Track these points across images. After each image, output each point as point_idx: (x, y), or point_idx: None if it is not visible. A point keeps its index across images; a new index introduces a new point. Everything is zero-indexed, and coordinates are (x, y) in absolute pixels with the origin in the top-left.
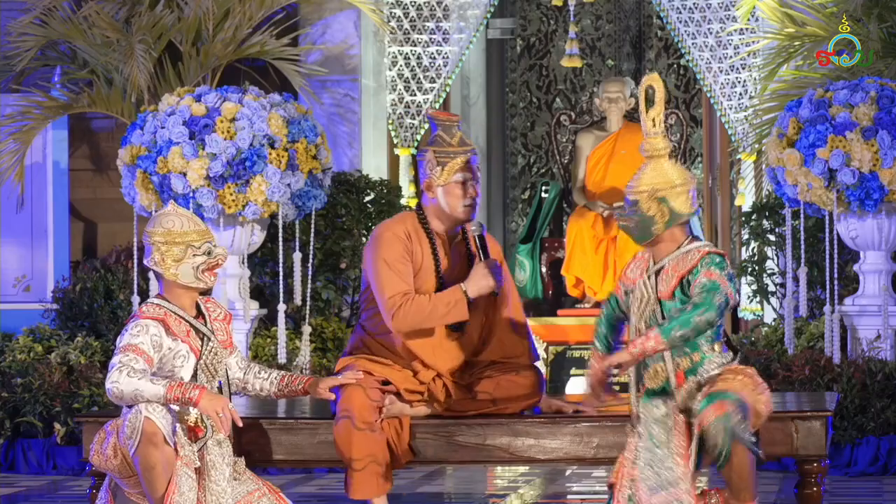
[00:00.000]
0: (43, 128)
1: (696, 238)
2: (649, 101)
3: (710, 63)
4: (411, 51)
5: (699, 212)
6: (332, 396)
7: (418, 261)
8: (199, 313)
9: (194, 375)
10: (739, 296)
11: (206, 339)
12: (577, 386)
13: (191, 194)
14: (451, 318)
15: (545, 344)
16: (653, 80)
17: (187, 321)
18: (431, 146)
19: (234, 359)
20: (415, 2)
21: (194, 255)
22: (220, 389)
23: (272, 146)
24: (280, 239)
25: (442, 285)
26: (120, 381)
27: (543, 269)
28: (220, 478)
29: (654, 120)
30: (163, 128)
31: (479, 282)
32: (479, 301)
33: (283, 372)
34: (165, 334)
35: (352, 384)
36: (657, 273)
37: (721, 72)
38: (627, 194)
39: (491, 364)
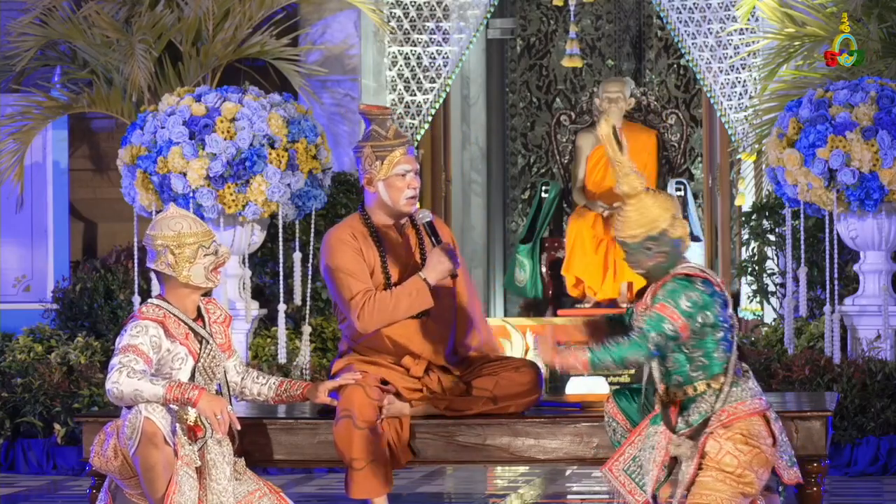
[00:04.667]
0: (43, 128)
1: (685, 259)
2: (620, 144)
3: (710, 63)
4: (411, 51)
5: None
6: (333, 402)
7: (370, 260)
8: (199, 315)
9: (192, 378)
10: (725, 309)
11: (204, 341)
12: (577, 386)
13: (191, 194)
14: (416, 308)
15: None
16: (611, 125)
17: (186, 324)
18: (368, 141)
19: (232, 362)
20: (415, 2)
21: (205, 254)
22: (218, 392)
23: (272, 146)
24: (280, 239)
25: (388, 280)
26: (120, 381)
27: (543, 269)
28: (222, 476)
29: (626, 160)
30: (163, 128)
31: (436, 267)
32: (444, 284)
33: (281, 378)
34: (164, 336)
35: (351, 384)
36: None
37: (721, 72)
38: (643, 237)
39: (488, 362)
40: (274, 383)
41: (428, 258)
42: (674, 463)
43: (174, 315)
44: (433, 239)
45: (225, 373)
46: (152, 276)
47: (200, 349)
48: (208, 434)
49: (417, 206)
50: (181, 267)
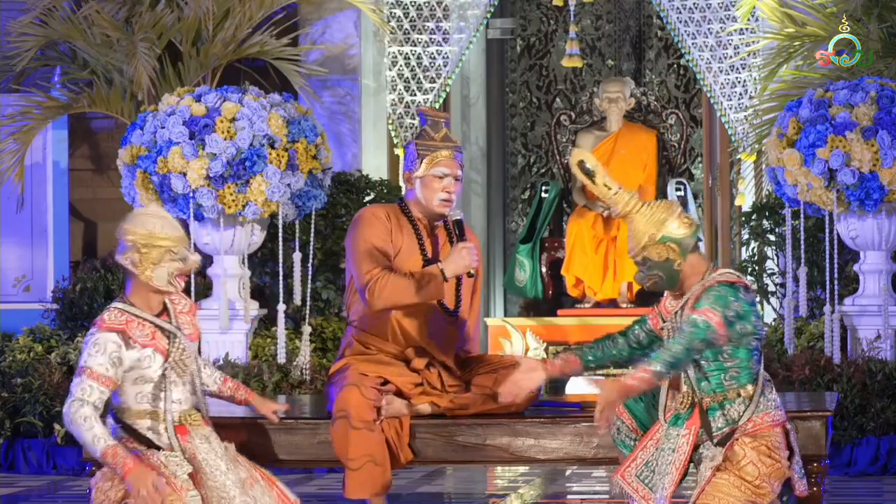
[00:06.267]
0: (43, 128)
1: (717, 267)
2: (588, 174)
3: (710, 63)
4: (411, 51)
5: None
6: (276, 419)
7: (398, 244)
8: (164, 309)
9: (164, 375)
10: (759, 318)
11: (172, 336)
12: (576, 386)
13: (191, 194)
14: (427, 297)
15: (545, 344)
16: (574, 155)
17: (152, 323)
18: (416, 139)
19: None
20: (415, 2)
21: (171, 259)
22: (193, 388)
23: (272, 146)
24: (280, 239)
25: (425, 263)
26: (74, 419)
27: (543, 269)
28: (217, 473)
29: (605, 185)
30: (163, 128)
31: (456, 261)
32: (465, 284)
33: (226, 375)
34: (126, 347)
35: (349, 385)
36: (684, 307)
37: (721, 72)
38: (635, 258)
39: (487, 360)
40: (219, 378)
41: (450, 252)
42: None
43: (138, 318)
44: (458, 236)
45: (196, 364)
46: None
47: (169, 345)
48: (193, 430)
49: (453, 209)
50: (143, 267)
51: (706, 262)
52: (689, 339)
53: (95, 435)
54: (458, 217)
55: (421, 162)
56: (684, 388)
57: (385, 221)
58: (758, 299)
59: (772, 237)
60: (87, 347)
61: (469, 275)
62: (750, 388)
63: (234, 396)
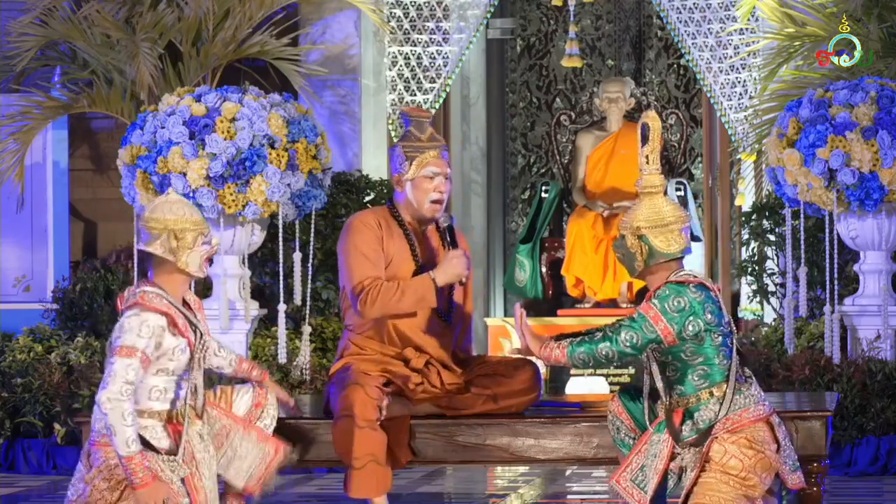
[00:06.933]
0: (43, 128)
1: (682, 268)
2: (644, 138)
3: (710, 63)
4: (411, 51)
5: (689, 251)
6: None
7: (390, 251)
8: (184, 302)
9: (189, 369)
10: (720, 314)
11: (198, 331)
12: (577, 386)
13: (191, 194)
14: (419, 305)
15: None
16: (649, 117)
17: (183, 314)
18: (402, 141)
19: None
20: (415, 2)
21: (203, 243)
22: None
23: (272, 146)
24: (280, 239)
25: (420, 272)
26: (114, 409)
27: (543, 269)
28: (209, 472)
29: (647, 157)
30: (163, 128)
31: (447, 270)
32: (457, 288)
33: (241, 357)
34: (168, 332)
35: (353, 384)
36: None
37: (721, 72)
38: (620, 230)
39: (487, 361)
40: (234, 361)
41: (442, 260)
42: (682, 472)
43: (174, 305)
44: (449, 242)
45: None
46: None
47: (195, 340)
48: (187, 425)
49: (443, 211)
50: (182, 253)
51: (677, 268)
52: (615, 329)
53: (128, 438)
54: (450, 223)
55: (410, 164)
56: (663, 395)
57: (376, 229)
58: (717, 297)
59: (772, 237)
60: (131, 328)
61: (460, 283)
62: (724, 385)
63: (249, 377)
